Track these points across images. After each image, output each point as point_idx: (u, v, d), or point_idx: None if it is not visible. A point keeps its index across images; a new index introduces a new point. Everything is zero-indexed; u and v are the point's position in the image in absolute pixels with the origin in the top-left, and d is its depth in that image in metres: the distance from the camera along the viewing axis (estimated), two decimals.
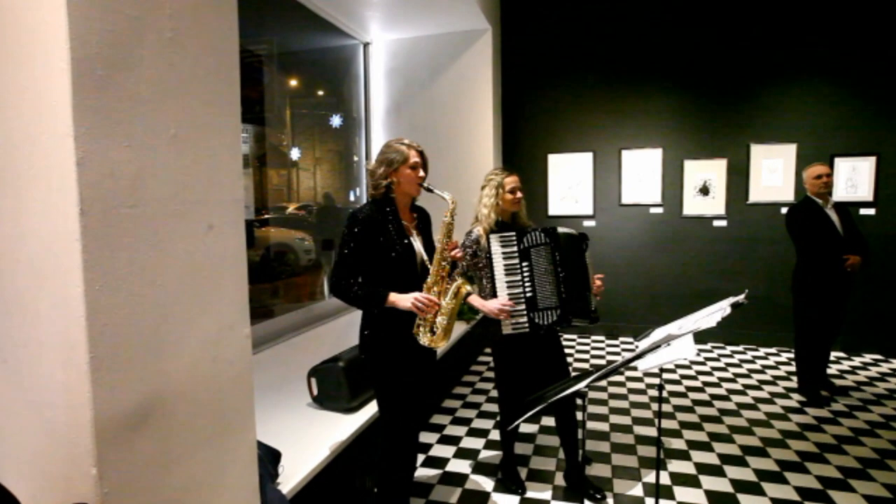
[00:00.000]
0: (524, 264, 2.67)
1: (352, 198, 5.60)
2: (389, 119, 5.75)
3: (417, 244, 2.29)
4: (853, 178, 5.40)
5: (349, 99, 5.47)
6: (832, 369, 4.94)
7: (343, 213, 5.46)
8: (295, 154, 4.68)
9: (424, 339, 2.23)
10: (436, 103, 5.88)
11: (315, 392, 3.04)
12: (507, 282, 2.67)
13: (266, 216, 4.27)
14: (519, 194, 2.83)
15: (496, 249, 2.68)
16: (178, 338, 1.51)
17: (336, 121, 5.21)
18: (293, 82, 4.61)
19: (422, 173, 2.27)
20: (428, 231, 2.45)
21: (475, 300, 2.76)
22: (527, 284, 2.67)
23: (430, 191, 2.29)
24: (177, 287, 1.50)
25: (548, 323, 2.67)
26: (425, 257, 2.30)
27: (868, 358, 5.31)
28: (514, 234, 2.69)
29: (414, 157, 2.25)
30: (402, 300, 2.16)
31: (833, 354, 5.34)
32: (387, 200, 2.26)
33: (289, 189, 4.71)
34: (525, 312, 2.67)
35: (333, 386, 2.98)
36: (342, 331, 4.35)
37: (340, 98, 5.37)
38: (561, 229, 2.73)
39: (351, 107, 5.50)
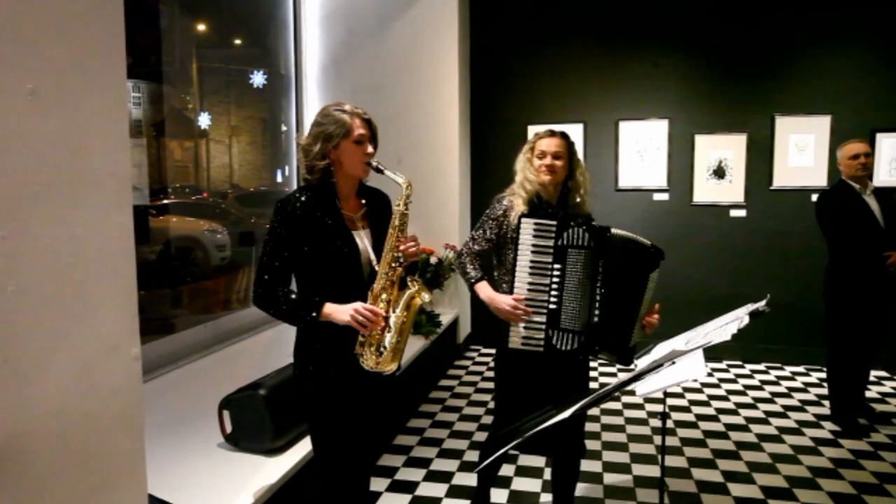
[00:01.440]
0: (556, 266, 2.60)
1: (279, 178, 5.51)
2: (327, 78, 5.68)
3: (364, 241, 2.27)
4: None
5: (275, 51, 5.37)
6: (872, 392, 5.10)
7: (267, 198, 5.38)
8: (204, 121, 4.58)
9: (369, 362, 2.20)
10: (387, 59, 5.82)
11: (228, 429, 2.99)
12: (531, 283, 2.60)
13: (165, 201, 4.17)
14: (552, 161, 2.72)
15: (526, 238, 2.59)
16: (40, 360, 1.44)
17: (258, 79, 5.11)
18: (201, 27, 4.50)
19: (370, 149, 2.24)
20: (385, 222, 2.38)
21: (484, 289, 2.69)
22: (553, 292, 2.59)
23: (380, 171, 2.24)
24: (37, 294, 1.43)
25: (567, 349, 2.61)
26: (373, 256, 2.28)
27: None
28: (553, 223, 2.60)
29: (359, 129, 2.21)
30: (339, 312, 2.14)
31: (873, 374, 5.50)
32: (325, 186, 2.23)
33: (196, 167, 4.61)
34: (543, 327, 2.61)
35: (253, 420, 2.93)
36: (265, 349, 4.27)
37: (264, 49, 5.27)
38: (618, 232, 2.63)
39: (277, 61, 5.40)
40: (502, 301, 2.61)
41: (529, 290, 2.59)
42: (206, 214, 4.71)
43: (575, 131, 6.20)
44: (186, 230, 4.50)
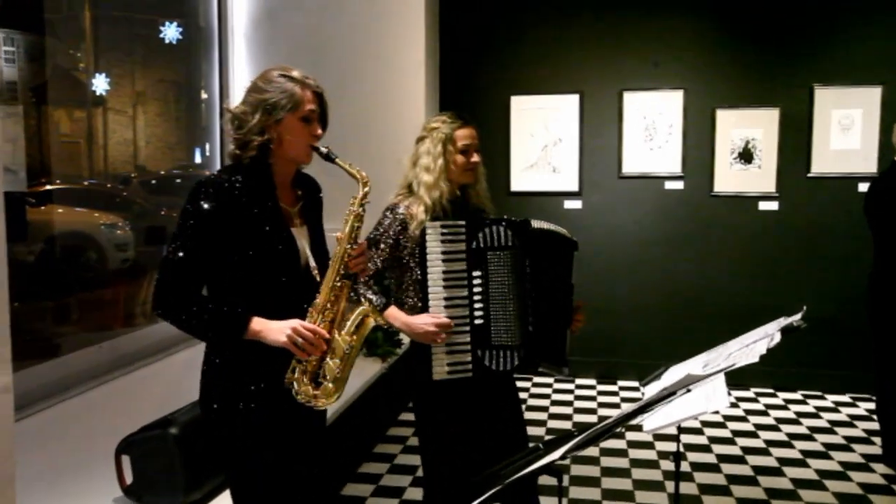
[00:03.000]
0: (475, 273, 2.68)
1: (198, 159, 5.45)
2: (259, 34, 5.61)
3: (300, 240, 2.27)
4: None
5: None
6: None
7: (183, 183, 5.30)
8: (100, 85, 4.49)
9: (304, 393, 2.19)
10: (335, 13, 5.77)
11: (129, 479, 2.94)
12: (447, 297, 2.67)
13: (49, 187, 4.09)
14: (475, 157, 2.84)
15: (434, 246, 2.66)
16: None
17: (171, 32, 5.02)
18: None
19: (318, 130, 2.26)
20: (317, 216, 2.39)
21: (396, 316, 2.73)
22: (477, 305, 2.68)
23: (330, 160, 2.24)
24: None
25: (504, 369, 2.70)
26: (312, 262, 2.29)
27: None
28: (462, 224, 2.68)
29: (309, 103, 2.22)
30: (272, 331, 2.12)
31: None
32: (259, 168, 2.21)
33: (90, 143, 4.53)
34: (469, 348, 2.68)
35: (160, 468, 2.88)
36: (178, 376, 4.21)
37: None
38: (537, 224, 2.73)
39: (196, 10, 5.32)
40: (419, 322, 2.66)
41: (447, 306, 2.66)
42: (103, 204, 4.63)
43: (569, 103, 6.22)
44: (76, 224, 4.43)
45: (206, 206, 2.10)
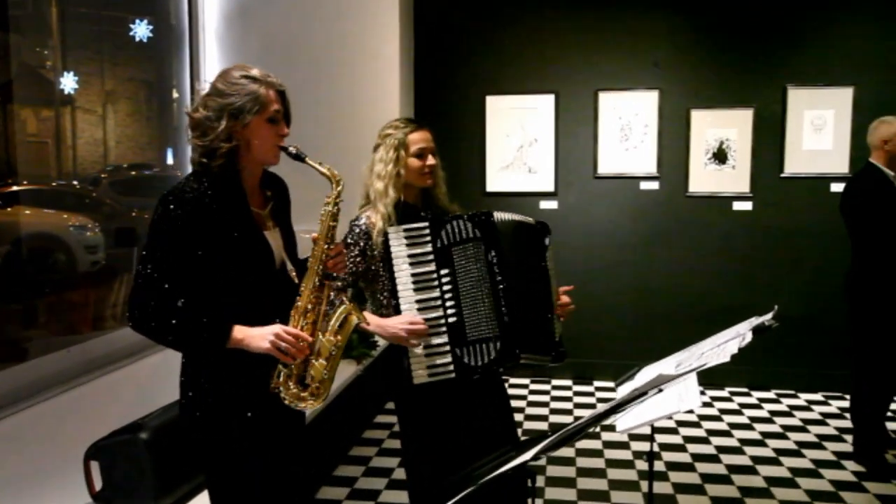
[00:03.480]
0: (443, 272, 2.70)
1: (170, 160, 5.39)
2: (231, 31, 5.56)
3: (275, 243, 2.27)
4: None
5: None
6: None
7: (154, 184, 5.25)
8: (68, 84, 4.43)
9: (291, 397, 2.20)
10: (307, 9, 5.74)
11: (98, 485, 2.90)
12: (419, 300, 2.69)
13: (14, 188, 4.03)
14: (432, 160, 2.84)
15: (398, 251, 2.69)
16: None
17: (141, 30, 4.96)
18: None
19: (285, 129, 2.24)
20: (286, 215, 2.38)
21: (370, 319, 2.72)
22: (449, 304, 2.69)
23: (299, 159, 2.23)
24: None
25: (483, 363, 2.69)
26: (289, 264, 2.30)
27: None
28: (425, 224, 2.71)
29: (274, 104, 2.20)
30: (254, 338, 2.12)
31: None
32: (228, 175, 2.19)
33: (58, 143, 4.47)
34: (448, 348, 2.68)
35: (130, 474, 2.86)
36: (148, 380, 4.17)
37: None
38: (500, 215, 2.77)
39: (167, 7, 5.26)
40: (394, 324, 2.66)
41: (420, 309, 2.68)
42: (72, 205, 4.59)
43: (544, 103, 6.24)
44: (44, 226, 4.37)
45: (176, 217, 2.07)
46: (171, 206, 2.08)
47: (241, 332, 2.11)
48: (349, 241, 2.80)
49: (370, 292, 2.87)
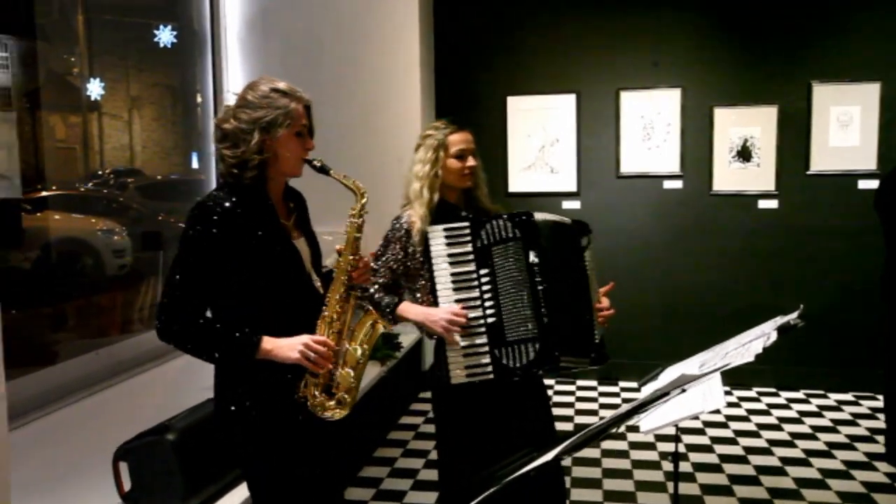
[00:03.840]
0: (483, 272, 2.69)
1: (194, 164, 5.43)
2: (253, 35, 5.59)
3: (304, 250, 2.31)
4: None
5: (186, 1, 5.28)
6: None
7: (179, 188, 5.31)
8: (95, 90, 4.49)
9: (318, 406, 2.22)
10: (328, 13, 5.76)
11: (127, 486, 2.91)
12: (458, 300, 2.68)
13: (44, 193, 4.10)
14: (472, 161, 2.86)
15: (438, 250, 2.68)
16: None
17: (165, 36, 5.02)
18: None
19: (312, 144, 2.29)
20: (308, 225, 2.42)
21: (411, 309, 2.74)
22: (488, 304, 2.67)
23: (324, 172, 2.27)
24: None
25: (522, 364, 2.67)
26: (313, 273, 2.32)
27: None
28: (465, 224, 2.70)
29: (302, 118, 2.23)
30: (283, 348, 2.14)
31: None
32: (258, 187, 2.23)
33: (86, 148, 4.53)
34: (487, 349, 2.67)
35: (158, 475, 2.86)
36: (175, 382, 4.22)
37: None
38: (540, 215, 2.75)
39: (189, 13, 5.31)
40: (438, 312, 2.66)
41: (460, 307, 2.67)
42: (100, 210, 4.65)
43: (565, 103, 6.21)
44: (73, 230, 4.43)
45: (209, 230, 2.10)
46: (203, 220, 2.11)
47: (269, 342, 2.13)
48: (391, 238, 2.82)
49: (409, 291, 2.88)
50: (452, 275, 2.67)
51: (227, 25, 5.55)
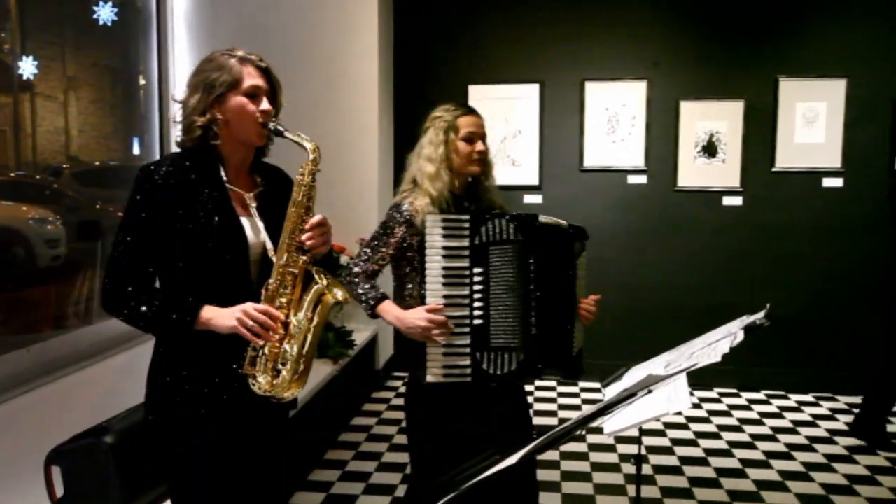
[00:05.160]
0: (477, 270, 2.65)
1: (136, 150, 5.34)
2: (201, 15, 5.50)
3: (253, 227, 2.25)
4: None
5: None
6: None
7: (119, 175, 5.20)
8: (27, 69, 4.36)
9: (262, 384, 2.16)
10: None
11: (59, 492, 2.83)
12: (446, 296, 2.63)
13: None
14: (482, 146, 2.82)
15: (434, 240, 2.63)
16: None
17: (105, 13, 4.89)
18: None
19: (265, 105, 2.22)
20: (278, 205, 2.34)
21: (389, 310, 2.70)
22: (477, 304, 2.64)
23: (279, 134, 2.22)
24: None
25: (502, 373, 2.67)
26: (271, 248, 2.25)
27: None
28: (465, 217, 2.65)
29: (252, 78, 2.20)
30: (222, 316, 2.11)
31: None
32: (203, 151, 2.21)
33: (17, 132, 4.41)
34: (468, 350, 2.64)
35: (94, 480, 2.80)
36: (114, 382, 4.13)
37: None
38: (545, 219, 2.73)
39: None
40: (413, 317, 2.62)
41: (446, 305, 2.63)
42: (32, 197, 4.51)
43: (529, 93, 6.22)
44: (1, 219, 4.30)
45: (150, 190, 2.11)
46: (142, 181, 2.12)
47: (209, 311, 2.11)
48: (388, 225, 2.77)
49: (395, 277, 2.85)
50: (444, 268, 2.63)
51: (173, 4, 5.45)
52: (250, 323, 2.07)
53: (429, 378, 2.63)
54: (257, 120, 2.19)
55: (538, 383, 6.22)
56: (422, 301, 2.66)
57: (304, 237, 2.17)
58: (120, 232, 2.13)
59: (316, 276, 2.22)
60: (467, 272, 2.63)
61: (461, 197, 2.84)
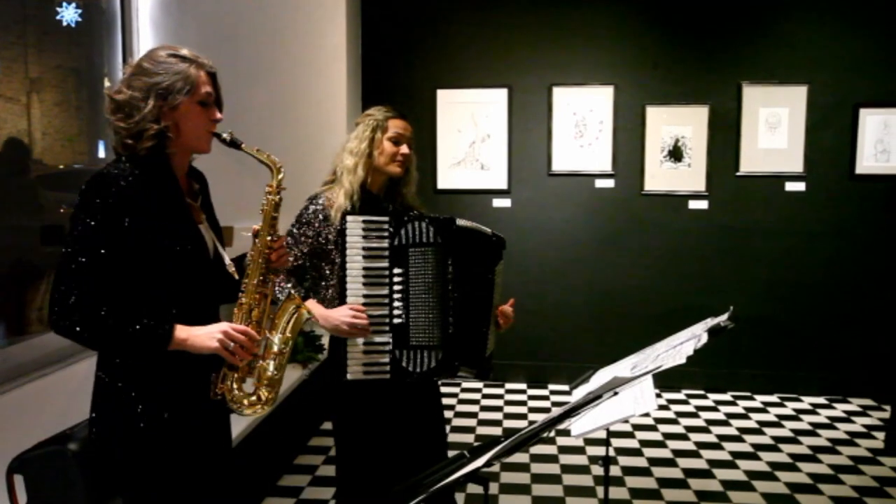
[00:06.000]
0: (396, 271, 2.71)
1: (101, 153, 5.25)
2: (167, 17, 5.44)
3: (209, 237, 2.22)
4: (886, 141, 5.93)
5: None
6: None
7: (84, 179, 5.12)
8: None
9: (238, 401, 2.16)
10: None
11: (23, 501, 2.77)
12: (367, 296, 2.70)
13: None
14: (406, 149, 2.90)
15: (354, 240, 2.68)
16: None
17: (69, 14, 4.82)
18: None
19: (218, 114, 2.17)
20: (211, 210, 2.33)
21: (311, 307, 2.70)
22: (396, 304, 2.71)
23: (235, 146, 2.15)
24: None
25: (421, 370, 2.74)
26: (226, 258, 2.24)
27: None
28: (385, 219, 2.71)
29: (205, 85, 2.12)
30: (200, 337, 2.04)
31: None
32: (157, 160, 2.10)
33: None
34: (388, 348, 2.71)
35: (58, 488, 2.74)
36: (78, 388, 3.95)
37: None
38: (462, 222, 2.78)
39: None
40: (338, 315, 2.66)
41: (366, 304, 2.69)
42: None
43: (497, 98, 6.22)
44: None
45: (102, 204, 1.97)
46: (97, 192, 1.98)
47: (184, 331, 2.02)
48: (303, 219, 2.81)
49: (315, 277, 2.87)
50: (364, 269, 2.69)
51: (138, 5, 5.39)
52: (232, 344, 2.03)
53: (349, 375, 2.68)
54: (210, 129, 2.14)
55: (508, 386, 6.23)
56: (341, 298, 2.71)
57: (273, 256, 2.18)
58: (75, 242, 1.97)
59: (292, 292, 2.27)
60: (387, 272, 2.70)
61: (377, 196, 2.89)
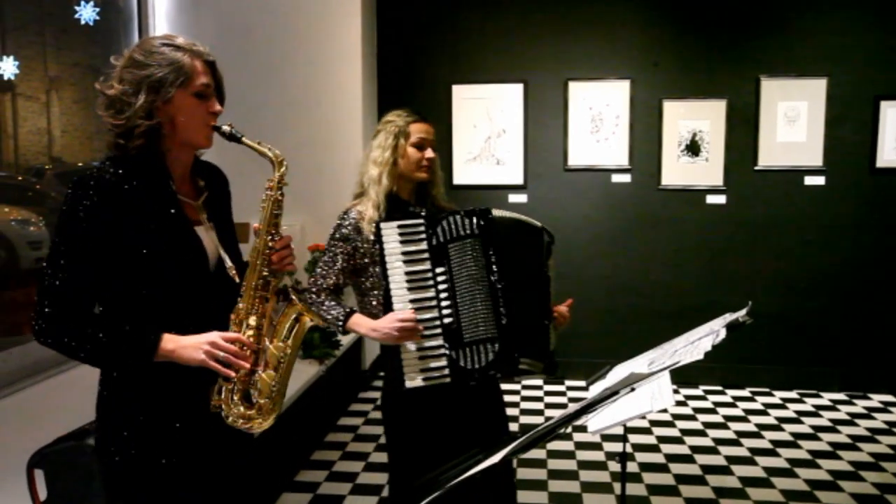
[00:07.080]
0: (439, 270, 2.64)
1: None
2: (183, 14, 5.47)
3: (209, 239, 2.08)
4: None
5: None
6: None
7: None
8: (8, 68, 4.33)
9: (236, 417, 2.01)
10: None
11: (42, 495, 2.81)
12: (413, 300, 2.62)
13: None
14: (431, 153, 2.84)
15: (392, 247, 2.62)
16: None
17: (87, 12, 4.86)
18: None
19: (217, 106, 2.04)
20: (226, 210, 2.21)
21: (360, 322, 2.69)
22: (444, 304, 2.63)
23: (236, 140, 2.03)
24: None
25: (480, 366, 2.63)
26: (228, 262, 2.10)
27: None
28: (420, 221, 2.65)
29: (202, 76, 1.99)
30: (186, 348, 1.92)
31: None
32: (149, 158, 1.98)
33: None
34: (443, 351, 2.62)
35: (77, 483, 2.77)
36: (96, 384, 4.04)
37: None
38: (499, 212, 2.73)
39: None
40: (385, 323, 2.61)
41: (414, 309, 2.62)
42: (14, 199, 4.50)
43: (513, 93, 6.21)
44: None
45: (89, 206, 1.86)
46: (83, 193, 1.86)
47: (171, 341, 1.91)
48: (338, 235, 2.77)
49: (357, 291, 2.83)
50: (407, 273, 2.62)
51: (155, 3, 5.42)
52: (221, 355, 1.91)
53: (407, 384, 2.61)
54: (209, 122, 2.01)
55: (525, 382, 6.22)
56: (387, 307, 2.64)
57: (275, 257, 2.04)
58: (58, 250, 1.86)
59: (294, 297, 2.09)
60: (430, 274, 2.63)
61: (407, 202, 2.85)
